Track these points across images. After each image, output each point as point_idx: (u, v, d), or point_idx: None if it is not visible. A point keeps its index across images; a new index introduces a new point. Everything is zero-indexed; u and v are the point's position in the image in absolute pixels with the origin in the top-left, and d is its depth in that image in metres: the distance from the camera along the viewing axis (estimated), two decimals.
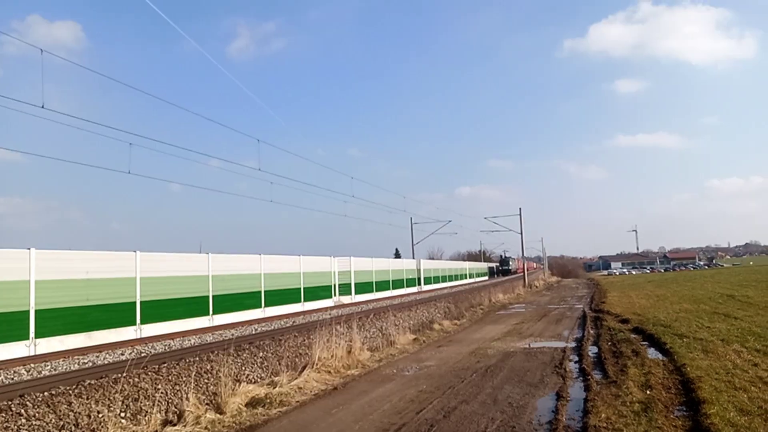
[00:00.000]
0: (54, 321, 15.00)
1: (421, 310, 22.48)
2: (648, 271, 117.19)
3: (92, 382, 8.51)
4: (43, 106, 12.25)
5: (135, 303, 17.84)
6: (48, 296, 15.00)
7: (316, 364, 12.09)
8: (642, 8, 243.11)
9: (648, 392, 8.49)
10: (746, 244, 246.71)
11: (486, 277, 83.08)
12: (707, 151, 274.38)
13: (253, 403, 9.43)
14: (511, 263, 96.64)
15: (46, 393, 7.79)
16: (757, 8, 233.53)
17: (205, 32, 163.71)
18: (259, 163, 57.31)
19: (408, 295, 38.44)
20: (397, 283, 41.82)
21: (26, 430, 6.89)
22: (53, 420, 7.27)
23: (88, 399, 7.95)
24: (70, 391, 7.98)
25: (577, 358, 12.65)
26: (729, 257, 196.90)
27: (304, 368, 11.86)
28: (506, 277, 78.49)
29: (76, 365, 11.05)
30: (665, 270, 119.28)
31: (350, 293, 33.01)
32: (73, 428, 7.38)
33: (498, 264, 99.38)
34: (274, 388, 10.27)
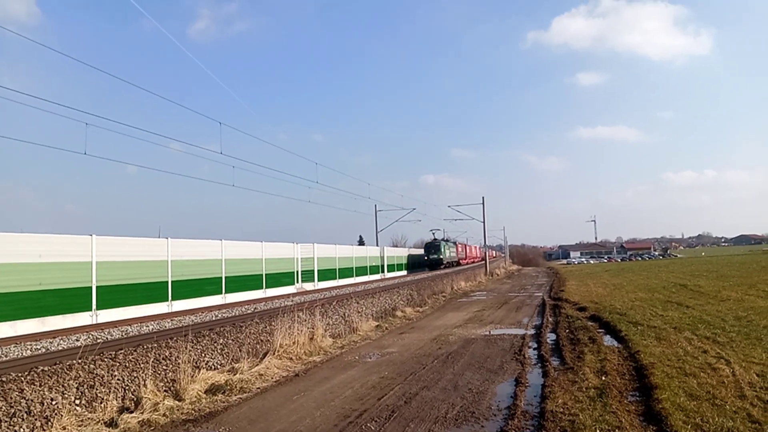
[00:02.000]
0: (5, 306, 14.52)
1: (384, 297, 22.56)
2: (605, 261, 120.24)
3: (45, 368, 8.27)
4: None
5: (91, 288, 17.41)
6: None
7: (278, 351, 12.02)
8: (603, 2, 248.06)
9: (603, 378, 8.72)
10: (699, 235, 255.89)
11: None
12: (663, 144, 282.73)
13: (213, 389, 9.33)
14: (446, 250, 60.37)
15: None
16: (713, 6, 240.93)
17: (165, 12, 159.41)
18: (221, 147, 56.18)
19: (371, 282, 38.50)
20: (361, 271, 41.87)
21: None
22: (3, 407, 7.04)
23: (41, 386, 7.72)
24: (22, 378, 7.74)
25: (536, 345, 12.89)
26: (682, 248, 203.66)
27: (265, 355, 11.78)
28: (432, 272, 50.09)
29: (28, 351, 10.72)
30: (622, 260, 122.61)
31: (313, 280, 32.90)
32: (24, 416, 7.16)
33: (424, 251, 60.07)
34: (235, 374, 10.18)
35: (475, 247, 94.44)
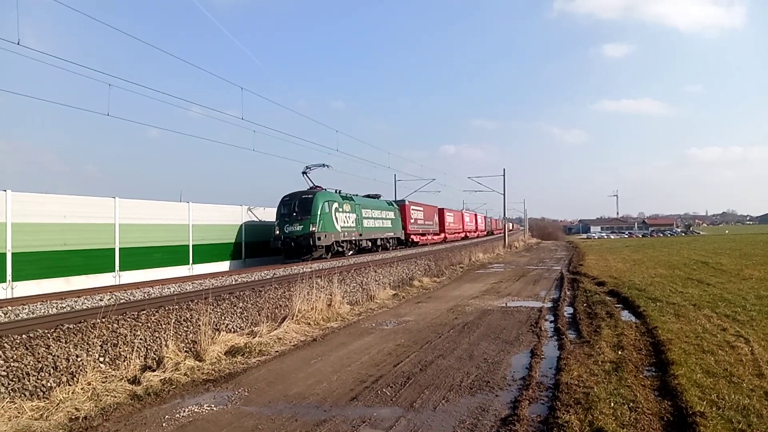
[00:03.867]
0: (31, 265, 14.88)
1: (402, 266, 22.65)
2: (626, 236, 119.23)
3: (71, 326, 8.48)
4: (18, 43, 11.77)
5: (114, 249, 17.75)
6: (24, 240, 14.82)
7: (296, 316, 12.19)
8: None
9: (619, 353, 8.71)
10: (723, 212, 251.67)
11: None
12: (689, 119, 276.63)
13: (232, 351, 9.52)
14: (336, 217, 26.84)
15: (24, 335, 7.76)
16: None
17: None
18: (242, 112, 56.02)
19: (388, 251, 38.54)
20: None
21: (4, 371, 6.88)
22: (31, 362, 7.27)
23: (66, 343, 7.94)
24: (49, 335, 7.96)
25: (552, 318, 12.89)
26: (706, 225, 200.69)
27: (284, 319, 11.96)
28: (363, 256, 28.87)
29: (54, 309, 11.00)
30: (643, 236, 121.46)
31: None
32: (51, 371, 7.39)
33: (276, 219, 26.09)
34: (254, 337, 10.36)
35: (481, 217, 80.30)
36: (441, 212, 51.44)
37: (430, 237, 46.79)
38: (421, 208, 44.15)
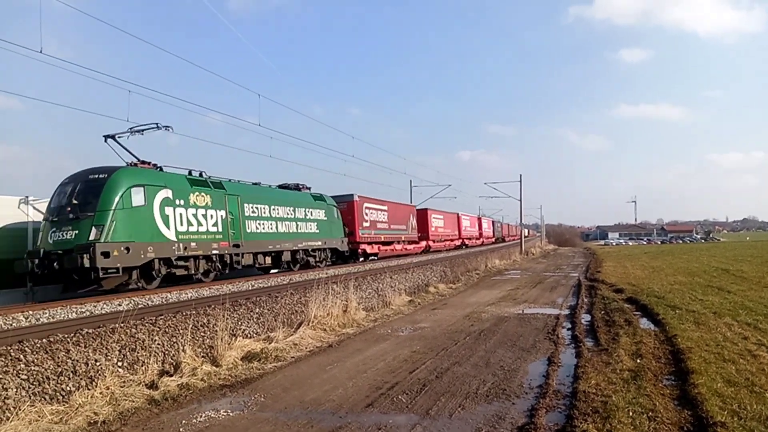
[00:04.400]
0: None
1: (418, 272, 22.62)
2: (645, 243, 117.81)
3: (90, 331, 8.58)
4: (41, 51, 11.98)
5: None
6: None
7: (312, 322, 12.23)
8: None
9: (638, 361, 8.60)
10: (744, 219, 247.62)
11: None
12: (709, 124, 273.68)
13: (248, 357, 9.57)
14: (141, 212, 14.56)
15: (44, 340, 7.87)
16: None
17: None
18: (260, 119, 56.32)
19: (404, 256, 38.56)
20: None
21: (25, 374, 6.98)
22: (51, 366, 7.36)
23: (86, 347, 8.03)
24: (68, 339, 8.06)
25: (569, 326, 12.78)
26: (726, 231, 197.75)
27: (300, 325, 12.00)
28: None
29: (74, 314, 11.14)
30: (662, 242, 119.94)
31: None
32: (71, 375, 7.48)
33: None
34: (270, 343, 10.41)
35: (487, 221, 69.60)
36: (423, 214, 40.99)
37: (400, 247, 35.57)
38: (384, 207, 32.81)
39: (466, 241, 55.14)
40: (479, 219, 65.77)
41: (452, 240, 49.57)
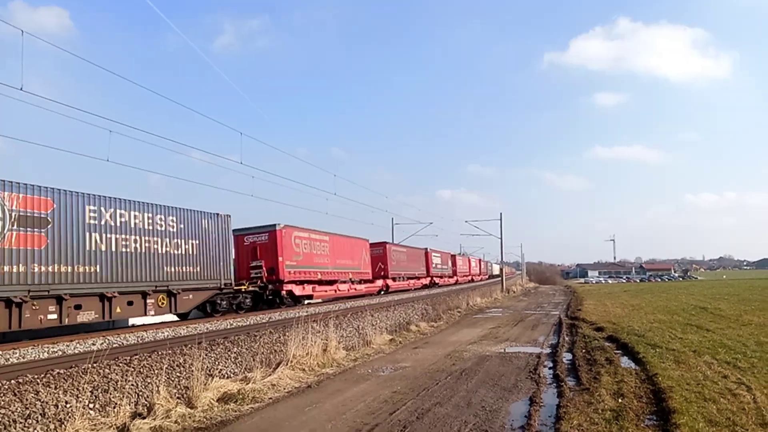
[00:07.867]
0: None
1: (399, 310, 22.47)
2: (624, 281, 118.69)
3: (61, 371, 8.34)
4: (21, 89, 11.92)
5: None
6: None
7: (291, 362, 12.01)
8: (621, 24, 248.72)
9: (620, 400, 8.56)
10: (720, 257, 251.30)
11: None
12: (684, 166, 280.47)
13: (225, 398, 9.34)
14: None
15: (12, 381, 7.61)
16: (732, 30, 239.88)
17: (190, 28, 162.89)
18: (241, 157, 56.60)
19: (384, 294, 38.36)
20: None
21: None
22: (19, 409, 7.11)
23: (56, 389, 7.79)
24: (38, 380, 7.82)
25: (551, 364, 12.71)
26: (703, 270, 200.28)
27: (278, 365, 11.78)
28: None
29: (45, 354, 10.83)
30: (641, 280, 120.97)
31: None
32: (39, 417, 7.22)
33: None
34: (248, 384, 10.18)
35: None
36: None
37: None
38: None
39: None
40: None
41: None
